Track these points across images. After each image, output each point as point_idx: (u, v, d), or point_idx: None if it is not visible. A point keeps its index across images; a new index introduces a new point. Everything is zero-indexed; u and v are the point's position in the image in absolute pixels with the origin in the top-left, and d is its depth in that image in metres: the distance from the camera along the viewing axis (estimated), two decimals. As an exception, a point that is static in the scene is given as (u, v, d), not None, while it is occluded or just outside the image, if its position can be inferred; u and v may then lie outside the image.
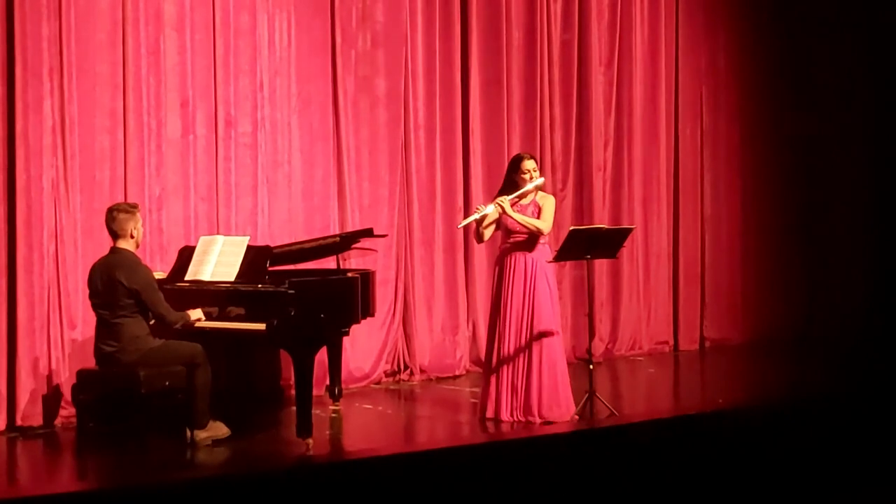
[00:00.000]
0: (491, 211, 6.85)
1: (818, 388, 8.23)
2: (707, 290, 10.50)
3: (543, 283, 6.87)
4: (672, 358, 10.06)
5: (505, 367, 6.86)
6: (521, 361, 6.84)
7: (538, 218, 6.88)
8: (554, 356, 6.86)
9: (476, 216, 6.87)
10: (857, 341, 10.37)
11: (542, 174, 7.15)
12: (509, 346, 6.85)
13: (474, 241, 8.93)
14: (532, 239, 6.88)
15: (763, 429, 4.84)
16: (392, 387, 8.54)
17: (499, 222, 6.97)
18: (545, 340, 6.83)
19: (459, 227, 7.02)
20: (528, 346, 6.82)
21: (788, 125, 10.90)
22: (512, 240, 6.93)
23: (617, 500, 4.30)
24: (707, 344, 10.47)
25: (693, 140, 10.42)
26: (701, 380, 9.70)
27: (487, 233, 7.00)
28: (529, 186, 6.87)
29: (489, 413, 6.94)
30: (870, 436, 4.90)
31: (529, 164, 6.92)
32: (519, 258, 6.88)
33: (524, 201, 6.92)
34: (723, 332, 10.54)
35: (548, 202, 6.96)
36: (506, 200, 6.82)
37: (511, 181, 6.95)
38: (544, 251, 6.94)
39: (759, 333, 10.63)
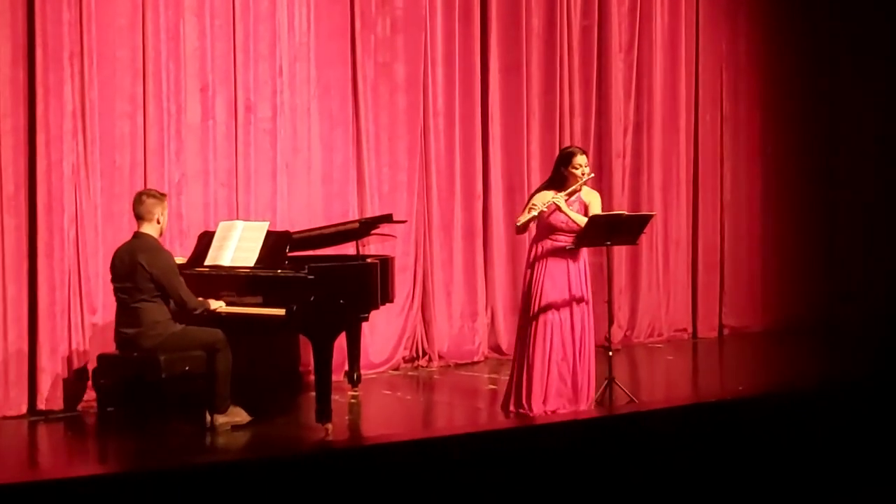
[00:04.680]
0: (546, 210, 6.66)
1: (838, 377, 8.20)
2: (726, 277, 10.46)
3: (586, 276, 6.79)
4: (691, 345, 10.04)
5: (552, 360, 6.73)
6: (567, 355, 6.74)
7: (586, 215, 6.75)
8: (593, 349, 6.84)
9: (534, 213, 6.67)
10: (878, 329, 10.31)
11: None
12: (552, 339, 6.72)
13: (495, 228, 8.97)
14: (573, 233, 6.73)
15: (783, 417, 4.81)
16: (411, 373, 8.55)
17: (540, 216, 6.76)
18: (589, 334, 6.79)
19: (519, 224, 6.81)
20: (574, 340, 6.73)
21: (809, 111, 10.83)
22: (555, 236, 6.75)
23: (635, 486, 4.30)
24: (726, 331, 10.43)
25: (713, 126, 10.37)
26: (720, 367, 9.68)
27: (531, 224, 6.84)
28: (583, 181, 6.72)
29: (523, 407, 6.78)
30: (893, 424, 4.87)
31: (582, 160, 6.74)
32: (560, 253, 6.74)
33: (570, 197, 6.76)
34: (742, 319, 10.51)
35: (595, 199, 6.83)
36: (561, 199, 6.66)
37: (560, 174, 6.78)
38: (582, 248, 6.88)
39: (778, 321, 10.58)
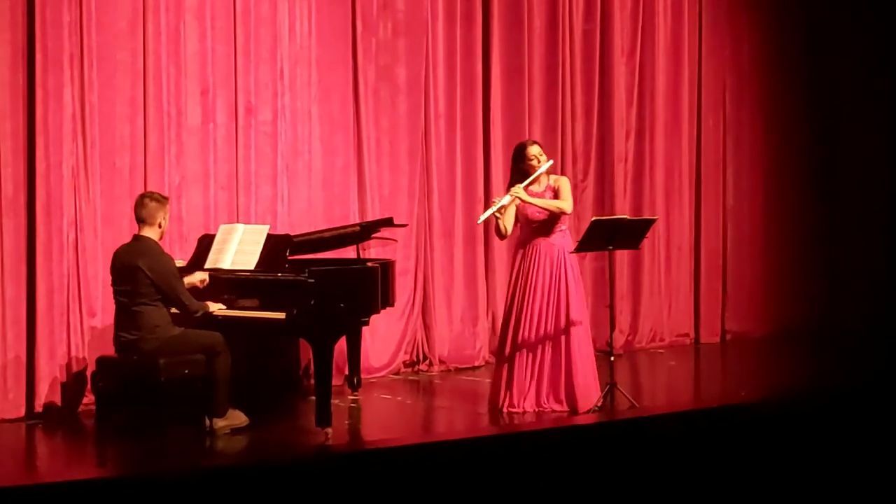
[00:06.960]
0: (507, 202, 6.75)
1: (840, 381, 8.17)
2: (729, 282, 10.43)
3: (572, 271, 6.87)
4: (693, 350, 10.01)
5: (531, 357, 6.85)
6: (551, 350, 6.83)
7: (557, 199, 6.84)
8: (588, 345, 6.92)
9: (494, 209, 6.74)
10: (880, 334, 10.28)
11: (562, 164, 7.12)
12: (536, 334, 6.82)
13: (496, 235, 8.96)
14: (553, 221, 6.82)
15: (784, 422, 4.79)
16: (411, 377, 8.52)
17: (518, 213, 6.90)
18: (579, 329, 6.84)
19: (479, 222, 7.03)
20: (562, 334, 6.80)
21: (811, 116, 10.81)
22: (533, 227, 6.87)
23: (637, 492, 4.27)
24: (728, 336, 10.40)
25: (716, 131, 10.34)
26: (722, 372, 9.65)
27: (509, 226, 6.88)
28: (541, 170, 6.79)
29: (506, 404, 6.93)
30: (893, 428, 4.85)
31: (534, 150, 6.84)
32: (543, 246, 6.84)
33: (537, 188, 6.84)
34: (744, 324, 10.47)
35: (563, 182, 6.92)
36: (520, 189, 6.73)
37: (519, 171, 6.88)
38: (567, 239, 6.92)
39: (780, 326, 10.55)
